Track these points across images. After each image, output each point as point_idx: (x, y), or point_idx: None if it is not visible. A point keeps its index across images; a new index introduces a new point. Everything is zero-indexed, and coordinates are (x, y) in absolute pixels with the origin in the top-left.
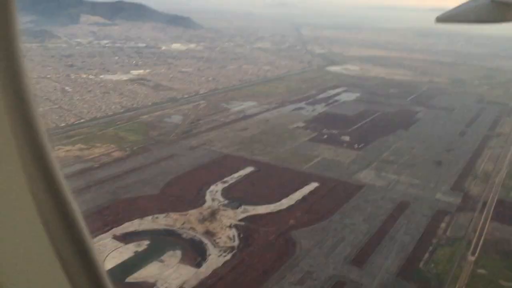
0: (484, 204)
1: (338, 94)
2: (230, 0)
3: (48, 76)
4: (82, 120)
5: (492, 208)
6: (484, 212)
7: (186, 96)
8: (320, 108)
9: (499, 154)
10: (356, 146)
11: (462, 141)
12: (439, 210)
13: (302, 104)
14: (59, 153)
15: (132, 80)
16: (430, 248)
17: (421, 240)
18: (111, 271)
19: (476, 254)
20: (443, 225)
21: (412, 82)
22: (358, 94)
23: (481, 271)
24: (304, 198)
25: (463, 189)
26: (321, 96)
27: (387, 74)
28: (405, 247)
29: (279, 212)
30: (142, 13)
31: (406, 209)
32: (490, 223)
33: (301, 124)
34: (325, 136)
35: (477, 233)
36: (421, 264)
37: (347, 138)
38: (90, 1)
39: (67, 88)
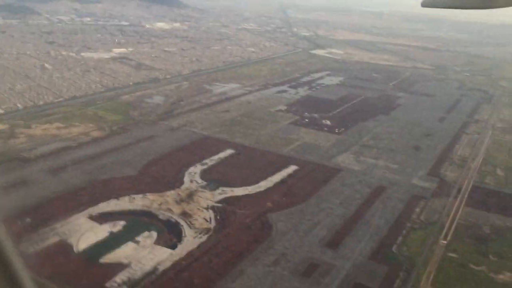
0: (459, 190)
1: (321, 77)
2: None
3: (28, 52)
4: (61, 99)
5: (467, 194)
6: (459, 198)
7: (168, 76)
8: (302, 92)
9: (476, 140)
10: (336, 130)
11: (441, 127)
12: (414, 195)
13: (285, 87)
14: (36, 132)
15: (114, 59)
16: (404, 232)
17: (395, 224)
18: (85, 252)
19: (448, 238)
20: (417, 209)
21: (396, 68)
22: (341, 78)
23: (452, 254)
24: (282, 181)
25: (439, 175)
26: (304, 79)
27: (371, 59)
28: (379, 230)
29: (257, 194)
30: None
31: (382, 193)
32: (463, 209)
33: (283, 107)
34: (306, 120)
35: (450, 218)
36: (394, 248)
37: (328, 122)
38: None
39: (46, 65)
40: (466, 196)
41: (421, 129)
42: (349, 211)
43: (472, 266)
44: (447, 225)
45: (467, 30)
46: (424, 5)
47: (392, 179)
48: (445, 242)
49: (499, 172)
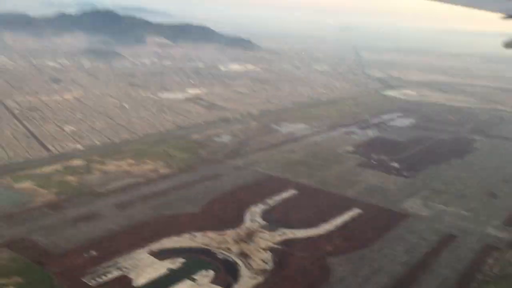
0: None
1: (392, 119)
2: (293, 24)
3: (110, 93)
4: (135, 137)
5: None
6: None
7: (238, 116)
8: (371, 133)
9: None
10: (405, 173)
11: None
12: (487, 245)
13: (354, 128)
14: (110, 168)
15: (187, 99)
16: (475, 285)
17: (465, 276)
18: (144, 287)
19: None
20: (490, 261)
21: (473, 109)
22: (412, 120)
23: None
24: (344, 224)
25: None
26: (374, 121)
27: (446, 100)
28: (447, 281)
29: (317, 237)
30: (206, 35)
31: (452, 242)
32: None
33: (350, 149)
34: (374, 162)
35: None
36: None
37: (396, 164)
38: (157, 23)
39: (125, 105)
40: None
41: (498, 175)
42: (413, 259)
43: None
44: None
45: None
46: (507, 45)
47: (463, 227)
48: None
49: None
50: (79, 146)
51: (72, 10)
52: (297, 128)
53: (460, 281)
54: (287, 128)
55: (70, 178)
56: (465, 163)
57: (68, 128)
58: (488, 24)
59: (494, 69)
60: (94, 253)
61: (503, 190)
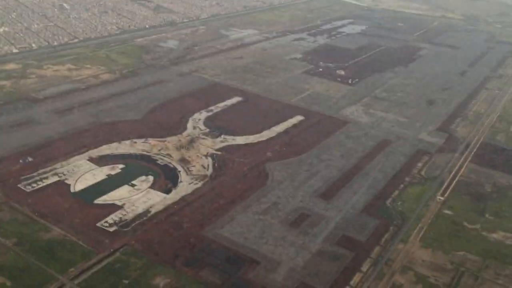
0: (467, 146)
1: (343, 25)
2: None
3: None
4: (75, 40)
5: (474, 150)
6: (465, 154)
7: (186, 20)
8: (321, 40)
9: (495, 96)
10: (350, 81)
11: (461, 81)
12: (419, 150)
13: (304, 35)
14: (47, 72)
15: (132, 0)
16: (401, 186)
17: (394, 178)
18: (81, 193)
19: (446, 195)
20: (419, 164)
21: (424, 17)
22: (363, 27)
23: (447, 211)
24: (286, 131)
25: (449, 130)
26: (325, 27)
27: (399, 7)
28: (376, 184)
29: (258, 143)
30: None
31: (387, 147)
32: (468, 165)
33: (299, 56)
34: (321, 69)
35: (452, 174)
36: (388, 201)
37: (342, 72)
38: None
39: (65, 5)
40: (473, 152)
41: (439, 83)
42: (349, 164)
43: (466, 224)
44: (447, 182)
45: None
46: None
47: (399, 133)
48: (442, 198)
49: None
50: (13, 49)
51: None
52: (246, 33)
53: (389, 182)
54: (236, 33)
55: (3, 83)
56: (409, 71)
57: (1, 29)
58: None
59: None
60: (30, 159)
61: (441, 98)
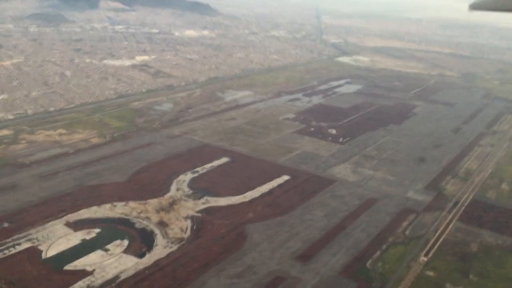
0: (456, 203)
1: (339, 85)
2: None
3: (53, 59)
4: (72, 105)
5: (463, 209)
6: (453, 212)
7: (183, 83)
8: (316, 100)
9: (488, 153)
10: (341, 139)
11: (454, 137)
12: (405, 208)
13: (299, 95)
14: (38, 137)
15: (134, 66)
16: (384, 246)
17: (377, 238)
18: (52, 259)
19: (430, 255)
20: (405, 223)
21: (421, 75)
22: (360, 86)
23: (429, 273)
24: (270, 191)
25: (438, 188)
26: (321, 87)
27: (397, 66)
28: (358, 244)
29: (240, 204)
30: (164, 0)
31: (372, 206)
32: (455, 224)
33: (291, 116)
34: (312, 129)
35: (438, 233)
36: (368, 263)
37: (334, 131)
38: None
39: (67, 72)
40: (461, 210)
41: (431, 140)
42: (331, 224)
43: (448, 285)
44: (432, 241)
45: (508, 37)
46: (472, 7)
47: (385, 192)
48: (425, 259)
49: (504, 186)
50: (9, 115)
51: None
52: (242, 95)
53: (371, 243)
54: (232, 95)
55: None
56: (401, 129)
57: (0, 96)
58: None
59: (450, 35)
60: (6, 225)
61: (432, 155)
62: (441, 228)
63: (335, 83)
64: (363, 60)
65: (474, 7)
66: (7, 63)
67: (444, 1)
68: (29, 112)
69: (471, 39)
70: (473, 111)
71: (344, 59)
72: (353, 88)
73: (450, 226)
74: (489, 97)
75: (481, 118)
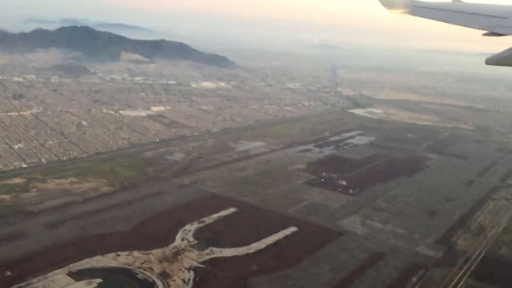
0: (467, 259)
1: (351, 137)
2: (275, 41)
3: (70, 110)
4: (85, 155)
5: (475, 265)
6: (464, 268)
7: (196, 134)
8: (327, 151)
9: (501, 207)
10: (351, 191)
11: (466, 191)
12: (414, 264)
13: (311, 146)
14: (49, 186)
15: (149, 117)
16: None
17: None
18: None
19: None
20: (414, 279)
21: (434, 128)
22: (372, 138)
23: None
24: (276, 243)
25: (449, 243)
26: (333, 138)
27: (410, 119)
28: None
29: (245, 256)
30: (182, 52)
31: (380, 260)
32: (466, 281)
33: (302, 167)
34: (322, 180)
35: None
36: None
37: (344, 182)
38: (134, 40)
39: (83, 122)
40: (473, 266)
41: (443, 193)
42: (337, 278)
43: None
44: None
45: None
46: (488, 62)
47: (394, 246)
48: None
49: None
50: (23, 164)
51: (50, 26)
52: (254, 146)
53: None
54: (244, 146)
55: (4, 197)
56: (413, 181)
57: (17, 145)
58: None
59: (466, 88)
60: (8, 273)
61: (444, 208)
62: (451, 285)
63: (347, 135)
64: (377, 112)
65: (490, 61)
66: (27, 113)
67: (460, 56)
68: (43, 160)
69: (487, 92)
70: (487, 164)
71: (358, 111)
72: (365, 139)
73: (461, 283)
74: (504, 151)
75: (495, 171)
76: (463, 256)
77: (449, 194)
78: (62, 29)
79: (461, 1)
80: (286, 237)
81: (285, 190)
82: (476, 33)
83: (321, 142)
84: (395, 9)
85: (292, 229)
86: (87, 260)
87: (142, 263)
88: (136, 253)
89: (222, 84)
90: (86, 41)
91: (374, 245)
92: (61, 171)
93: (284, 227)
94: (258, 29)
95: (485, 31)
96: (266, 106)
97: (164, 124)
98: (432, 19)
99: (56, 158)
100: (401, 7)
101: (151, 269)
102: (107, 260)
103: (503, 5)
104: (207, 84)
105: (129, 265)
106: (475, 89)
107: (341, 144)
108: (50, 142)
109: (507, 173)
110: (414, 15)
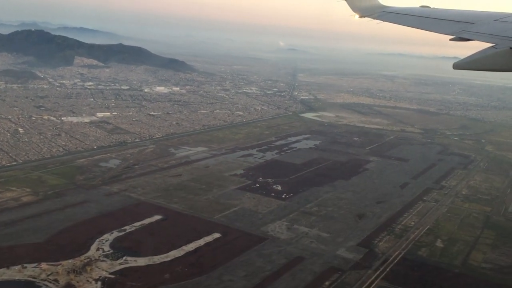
0: (384, 261)
1: (297, 141)
2: (240, 45)
3: (10, 117)
4: (14, 163)
5: (390, 267)
6: (379, 271)
7: (137, 140)
8: (269, 156)
9: (430, 208)
10: (284, 195)
11: (399, 193)
12: (331, 267)
13: (254, 151)
14: None
15: (92, 123)
16: None
17: None
18: None
19: None
20: (327, 283)
21: (382, 131)
22: (317, 142)
23: None
24: (196, 250)
25: (370, 245)
26: (278, 143)
27: (360, 122)
28: None
29: (160, 264)
30: (139, 56)
31: (298, 265)
32: (378, 283)
33: (240, 172)
34: (257, 185)
35: None
36: None
37: (279, 187)
38: (89, 44)
39: (20, 129)
40: (388, 269)
41: (375, 196)
42: (249, 284)
43: None
44: None
45: (477, 93)
46: (455, 67)
47: (315, 249)
48: None
49: (438, 243)
50: None
51: (6, 30)
52: (195, 151)
53: None
54: (184, 151)
55: None
56: (348, 185)
57: None
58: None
59: (421, 91)
60: None
61: (373, 211)
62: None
63: (293, 139)
64: (328, 116)
65: (458, 66)
66: None
67: (423, 60)
68: None
69: (442, 95)
70: (426, 166)
71: (309, 115)
72: (310, 143)
73: (373, 285)
74: (445, 153)
75: (432, 173)
76: (381, 258)
77: (381, 197)
78: (16, 33)
79: (429, 7)
80: (208, 244)
81: (216, 196)
82: (442, 38)
83: (265, 147)
84: (364, 15)
85: (216, 235)
86: None
87: (48, 275)
88: (44, 265)
89: (177, 88)
90: (39, 45)
91: (296, 250)
92: None
93: (208, 233)
94: (228, 34)
95: (452, 36)
96: (217, 110)
97: (106, 130)
98: (401, 24)
99: None
100: (370, 13)
101: (56, 281)
102: (12, 273)
103: (470, 10)
104: (160, 89)
105: (34, 278)
106: (429, 92)
107: (284, 149)
108: None
109: (443, 175)
110: (383, 20)
